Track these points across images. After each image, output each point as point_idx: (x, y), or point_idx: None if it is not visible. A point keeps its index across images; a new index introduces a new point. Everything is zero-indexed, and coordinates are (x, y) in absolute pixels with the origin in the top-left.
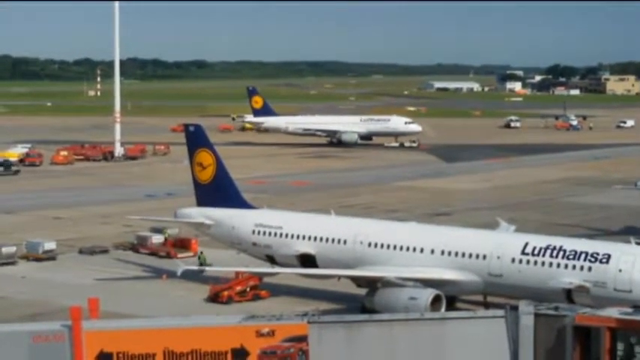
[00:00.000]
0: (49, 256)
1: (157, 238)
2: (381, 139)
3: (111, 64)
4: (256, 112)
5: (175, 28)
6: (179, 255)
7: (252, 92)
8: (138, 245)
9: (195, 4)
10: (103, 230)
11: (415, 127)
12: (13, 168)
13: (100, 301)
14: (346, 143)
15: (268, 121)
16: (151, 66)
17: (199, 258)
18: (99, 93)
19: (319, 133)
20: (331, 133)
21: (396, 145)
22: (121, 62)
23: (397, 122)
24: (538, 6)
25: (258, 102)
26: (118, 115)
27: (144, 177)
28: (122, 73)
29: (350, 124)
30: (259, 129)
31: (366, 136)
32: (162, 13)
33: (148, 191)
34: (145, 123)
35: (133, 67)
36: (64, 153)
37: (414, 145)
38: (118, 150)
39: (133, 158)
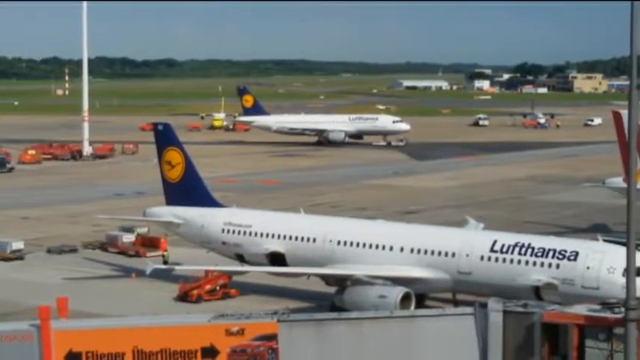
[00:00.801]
0: (17, 256)
1: (128, 238)
2: (371, 138)
3: (79, 62)
4: (247, 111)
5: (144, 27)
6: (148, 254)
7: (242, 91)
8: (108, 244)
9: (164, 3)
10: (71, 229)
11: (403, 126)
12: (8, 165)
13: (69, 300)
14: (334, 142)
15: (258, 120)
16: (120, 64)
17: (163, 257)
18: (67, 92)
19: (307, 132)
20: (319, 132)
21: (384, 144)
22: (90, 61)
23: (385, 121)
24: (505, 5)
25: (248, 101)
26: (86, 114)
27: (112, 176)
28: (90, 72)
29: (338, 123)
30: (227, 128)
31: (355, 135)
32: (130, 11)
33: (116, 190)
34: (113, 122)
35: (102, 66)
36: (31, 152)
37: (401, 144)
38: (87, 149)
39: (102, 157)
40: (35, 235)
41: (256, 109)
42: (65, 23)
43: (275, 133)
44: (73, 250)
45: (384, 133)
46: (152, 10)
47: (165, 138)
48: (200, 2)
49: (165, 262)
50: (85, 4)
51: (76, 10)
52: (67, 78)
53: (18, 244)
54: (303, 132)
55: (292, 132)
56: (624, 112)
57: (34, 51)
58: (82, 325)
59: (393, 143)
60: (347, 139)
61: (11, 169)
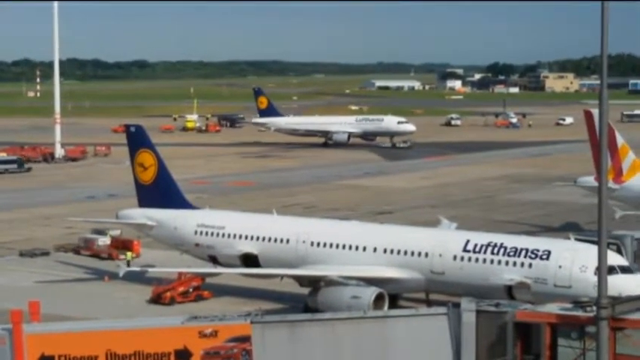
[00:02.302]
0: None
1: (103, 240)
2: (378, 139)
3: (50, 64)
4: (262, 113)
5: (115, 28)
6: (121, 256)
7: (257, 93)
8: (83, 247)
9: (136, 4)
10: (44, 232)
11: (408, 127)
12: (26, 166)
13: (41, 303)
14: (337, 143)
15: (272, 121)
16: (91, 66)
17: (125, 257)
18: (38, 94)
19: (317, 133)
20: (325, 134)
21: (389, 145)
22: (61, 63)
23: (390, 122)
24: (477, 5)
25: (263, 102)
26: (58, 116)
27: (85, 178)
28: (62, 74)
29: (344, 125)
30: (200, 129)
31: (362, 136)
32: (102, 12)
33: (89, 193)
34: (85, 124)
35: (73, 68)
36: (2, 155)
37: (405, 145)
38: (59, 151)
39: (74, 159)
40: (7, 238)
41: (270, 111)
42: (36, 25)
43: (287, 135)
44: (45, 253)
45: (390, 134)
46: (123, 11)
47: (137, 140)
48: (171, 3)
49: (127, 264)
50: (55, 4)
51: (47, 12)
52: (38, 80)
53: None
54: (307, 133)
55: (295, 133)
56: (595, 111)
57: (4, 53)
58: (54, 329)
59: (398, 145)
60: (351, 140)
61: (29, 169)
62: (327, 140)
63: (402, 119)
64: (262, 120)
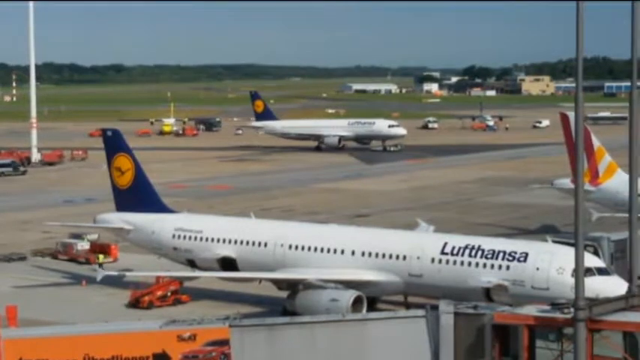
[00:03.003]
0: None
1: (82, 245)
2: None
3: (26, 68)
4: (258, 116)
5: (92, 32)
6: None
7: (254, 97)
8: (60, 252)
9: (112, 7)
10: (20, 237)
11: (399, 131)
12: (21, 169)
13: (19, 308)
14: (329, 147)
15: (268, 124)
16: (68, 70)
17: (97, 259)
18: (14, 98)
19: (309, 137)
20: (317, 137)
21: (381, 148)
22: (37, 67)
23: (381, 126)
24: (452, 7)
25: (259, 106)
26: (34, 120)
27: (62, 183)
28: (38, 78)
29: (337, 128)
30: (177, 133)
31: (356, 139)
32: (78, 16)
33: (66, 197)
34: (62, 128)
35: (49, 72)
36: None
37: (395, 149)
38: (35, 156)
39: (51, 164)
40: None
41: (266, 114)
42: (11, 29)
43: (282, 138)
44: (22, 258)
45: (381, 138)
46: (100, 15)
47: (114, 144)
48: (147, 6)
49: (100, 266)
50: (31, 4)
51: (23, 15)
52: (14, 84)
53: None
54: (300, 137)
55: (288, 137)
56: (571, 114)
57: None
58: (32, 334)
59: (388, 148)
60: (346, 144)
61: (24, 172)
62: (319, 144)
63: (394, 123)
64: (259, 123)
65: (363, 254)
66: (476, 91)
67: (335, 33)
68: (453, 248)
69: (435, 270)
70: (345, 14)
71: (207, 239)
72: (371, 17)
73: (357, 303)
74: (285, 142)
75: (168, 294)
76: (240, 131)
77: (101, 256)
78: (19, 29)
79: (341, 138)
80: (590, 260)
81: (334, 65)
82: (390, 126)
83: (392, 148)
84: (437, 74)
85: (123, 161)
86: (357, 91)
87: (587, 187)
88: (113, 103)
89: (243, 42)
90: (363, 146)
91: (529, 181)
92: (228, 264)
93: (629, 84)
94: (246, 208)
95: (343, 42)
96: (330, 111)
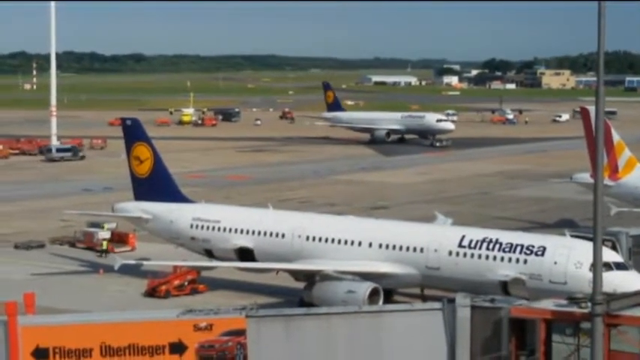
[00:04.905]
0: None
1: (103, 234)
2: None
3: (47, 57)
4: (329, 107)
5: (112, 22)
6: (116, 249)
7: (326, 87)
8: (80, 240)
9: None
10: (39, 225)
11: (447, 126)
12: (80, 154)
13: (36, 296)
14: (377, 140)
15: (336, 116)
16: (88, 59)
17: (101, 246)
18: (35, 86)
19: (363, 129)
20: (370, 130)
21: (428, 143)
22: (58, 55)
23: (430, 119)
24: (475, 2)
25: (330, 97)
26: (54, 108)
27: (81, 171)
28: (59, 67)
29: (389, 121)
30: (196, 123)
31: (405, 133)
32: (99, 6)
33: (85, 185)
34: (81, 117)
35: (70, 61)
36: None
37: (440, 144)
38: (55, 144)
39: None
40: (2, 230)
41: (335, 106)
42: (33, 17)
43: (350, 130)
44: (41, 246)
45: (430, 132)
46: (121, 4)
47: (133, 133)
48: None
49: (104, 252)
50: (52, 3)
51: (44, 4)
52: (34, 72)
53: None
54: (360, 129)
55: (353, 129)
56: (592, 109)
57: (1, 45)
58: (49, 321)
59: (435, 143)
60: (391, 138)
61: (83, 157)
62: (372, 137)
63: (442, 117)
64: (329, 114)
65: (380, 246)
66: (496, 85)
67: (356, 25)
68: (471, 241)
69: (453, 263)
70: (366, 7)
71: (224, 229)
72: (391, 9)
73: (373, 295)
74: (304, 133)
75: (186, 283)
76: (258, 122)
77: (105, 243)
78: (40, 18)
79: (390, 132)
80: (609, 255)
81: (354, 57)
82: (437, 120)
83: (437, 144)
84: (457, 67)
85: (142, 150)
86: (376, 83)
87: (607, 181)
88: (133, 93)
89: (264, 33)
90: (421, 140)
91: (548, 175)
92: (245, 254)
93: None
94: (264, 198)
95: (364, 34)
96: (349, 102)
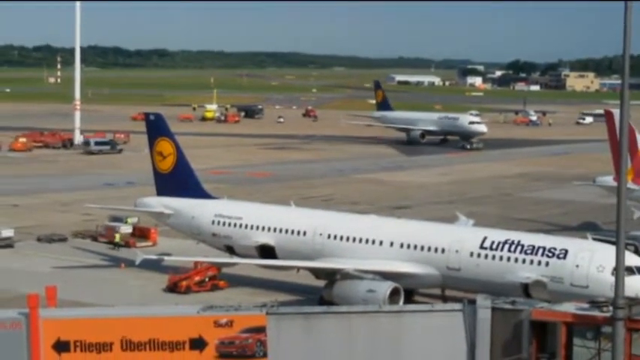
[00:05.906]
0: (7, 244)
1: (125, 229)
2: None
3: (71, 51)
4: (379, 106)
5: (137, 17)
6: (138, 244)
7: (376, 86)
8: (102, 234)
9: None
10: (61, 218)
11: (480, 128)
12: (118, 147)
13: (58, 289)
14: (412, 141)
15: (384, 115)
16: (112, 54)
17: (115, 238)
18: (59, 80)
19: (402, 129)
20: (407, 130)
21: (461, 145)
22: (82, 50)
23: (464, 121)
24: (500, 3)
25: (379, 96)
26: (78, 102)
27: (103, 165)
28: (83, 61)
29: (426, 122)
30: (219, 119)
31: (441, 134)
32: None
33: (107, 180)
34: (105, 111)
35: (94, 55)
36: (22, 140)
37: (470, 146)
38: (78, 138)
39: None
40: (25, 223)
41: (384, 105)
42: (58, 11)
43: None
44: (63, 239)
45: (463, 134)
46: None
47: (156, 128)
48: None
49: (116, 246)
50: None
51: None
52: (59, 66)
53: (8, 232)
54: (401, 129)
55: (395, 128)
56: (616, 111)
57: (26, 39)
58: (70, 314)
59: (467, 145)
60: (425, 139)
61: (120, 151)
62: (408, 137)
63: (475, 119)
64: (379, 114)
65: (401, 246)
66: (520, 86)
67: (380, 24)
68: (492, 243)
69: (474, 264)
70: (389, 5)
71: (246, 226)
72: (416, 9)
73: (394, 295)
74: (328, 131)
75: (206, 279)
76: (281, 119)
77: (118, 235)
78: (64, 12)
79: (424, 132)
80: (631, 259)
81: (377, 56)
82: (470, 122)
83: (468, 146)
84: (481, 68)
85: (165, 146)
86: (400, 82)
87: (630, 185)
88: (156, 88)
89: (287, 30)
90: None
91: (571, 177)
92: (266, 251)
93: None
94: (286, 196)
95: (387, 33)
96: (372, 102)
